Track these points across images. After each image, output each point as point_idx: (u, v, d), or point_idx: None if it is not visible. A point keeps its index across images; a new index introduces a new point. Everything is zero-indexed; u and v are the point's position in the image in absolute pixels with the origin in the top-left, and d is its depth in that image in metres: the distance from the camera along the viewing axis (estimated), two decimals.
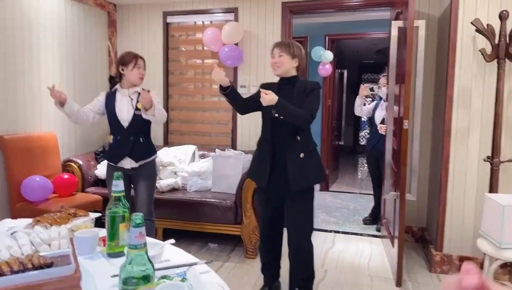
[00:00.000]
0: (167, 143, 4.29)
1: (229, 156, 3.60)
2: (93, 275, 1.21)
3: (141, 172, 2.72)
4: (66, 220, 1.52)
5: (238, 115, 4.05)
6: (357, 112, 4.21)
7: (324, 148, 5.68)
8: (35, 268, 1.08)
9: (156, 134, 4.19)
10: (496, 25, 2.63)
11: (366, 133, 9.67)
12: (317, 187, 5.56)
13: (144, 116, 2.56)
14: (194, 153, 3.91)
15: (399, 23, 3.01)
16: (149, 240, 1.44)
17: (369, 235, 3.86)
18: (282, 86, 2.37)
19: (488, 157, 2.69)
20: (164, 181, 3.53)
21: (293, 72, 2.38)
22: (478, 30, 2.66)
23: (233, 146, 4.08)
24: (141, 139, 2.71)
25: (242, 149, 3.90)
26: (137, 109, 2.66)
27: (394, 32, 3.04)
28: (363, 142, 9.91)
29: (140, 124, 2.68)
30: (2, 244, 1.19)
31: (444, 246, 2.98)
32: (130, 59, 2.66)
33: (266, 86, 2.50)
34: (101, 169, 3.66)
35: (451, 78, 2.88)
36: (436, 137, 3.35)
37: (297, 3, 3.86)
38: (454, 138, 2.90)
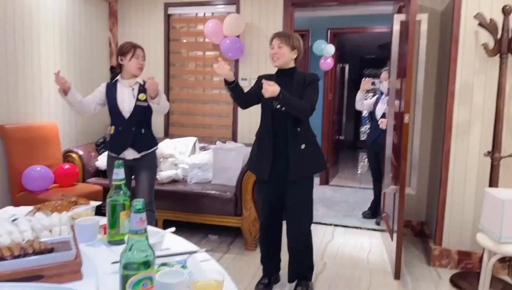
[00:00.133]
0: (167, 135, 4.30)
1: (229, 148, 3.60)
2: (94, 261, 1.22)
3: (143, 163, 2.73)
4: (67, 208, 1.52)
5: (239, 108, 4.04)
6: (358, 106, 4.20)
7: (325, 142, 5.68)
8: (35, 253, 1.08)
9: (157, 126, 4.19)
10: (499, 19, 2.62)
11: (366, 129, 9.66)
12: (317, 181, 5.58)
13: (150, 103, 2.59)
14: (194, 145, 3.92)
15: (402, 17, 3.00)
16: (150, 228, 1.45)
17: (368, 229, 3.87)
18: (280, 77, 2.37)
19: (488, 152, 2.69)
20: (164, 173, 3.54)
21: (292, 64, 2.38)
22: (480, 25, 2.65)
23: (234, 139, 4.08)
24: (142, 130, 2.71)
25: (242, 141, 3.90)
26: (138, 100, 2.66)
27: (396, 26, 3.03)
28: (363, 137, 9.90)
29: (141, 115, 2.69)
30: (3, 230, 1.20)
31: (443, 240, 2.99)
32: (128, 49, 2.65)
33: (263, 77, 2.49)
34: (102, 160, 3.66)
35: (453, 73, 2.87)
36: (437, 132, 3.35)
37: None
38: (455, 132, 2.90)
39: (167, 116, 4.29)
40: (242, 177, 3.24)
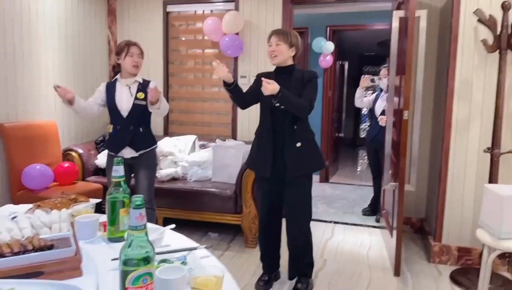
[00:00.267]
0: (167, 133, 4.29)
1: (229, 146, 3.60)
2: (94, 258, 1.22)
3: (142, 162, 2.73)
4: (67, 205, 1.53)
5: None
6: (358, 103, 4.20)
7: (324, 140, 5.68)
8: (35, 250, 1.08)
9: (156, 124, 4.19)
10: (498, 15, 2.62)
11: (366, 126, 9.66)
12: (317, 178, 5.59)
13: (150, 109, 2.61)
14: (194, 143, 3.92)
15: (401, 13, 3.00)
16: (150, 225, 1.45)
17: (368, 226, 3.88)
18: (279, 75, 2.36)
19: (488, 148, 2.69)
20: (164, 171, 3.53)
21: (290, 61, 2.38)
22: (480, 21, 2.65)
23: (233, 137, 4.08)
24: (140, 129, 2.70)
25: (242, 139, 3.90)
26: (136, 98, 2.65)
27: (395, 23, 3.03)
28: (363, 134, 9.90)
29: (140, 114, 2.68)
30: (3, 227, 1.20)
31: (443, 237, 2.99)
32: (122, 47, 2.66)
33: (262, 75, 2.49)
34: (102, 159, 3.66)
35: (452, 69, 2.87)
36: (436, 128, 3.35)
37: None
38: (454, 129, 2.90)
39: (167, 114, 4.28)
40: (242, 174, 3.24)
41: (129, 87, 2.68)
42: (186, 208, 3.40)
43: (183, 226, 3.47)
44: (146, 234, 0.94)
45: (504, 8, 2.58)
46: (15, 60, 3.19)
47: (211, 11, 4.13)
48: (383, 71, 3.96)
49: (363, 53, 9.39)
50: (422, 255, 3.19)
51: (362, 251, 3.27)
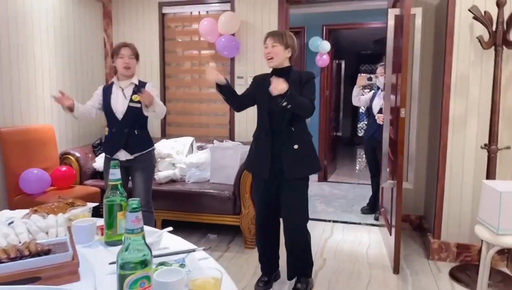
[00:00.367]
0: (164, 135, 4.29)
1: (227, 147, 3.60)
2: (91, 262, 1.21)
3: (137, 164, 2.72)
4: (64, 210, 1.52)
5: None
6: (355, 102, 4.21)
7: (322, 139, 5.68)
8: (32, 255, 1.08)
9: (154, 126, 4.18)
10: (493, 12, 2.62)
11: (364, 125, 9.66)
12: (315, 177, 5.59)
13: (145, 113, 2.58)
14: (192, 145, 3.91)
15: (396, 11, 3.00)
16: (148, 228, 1.44)
17: (367, 224, 3.88)
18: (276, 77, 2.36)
19: (485, 145, 2.70)
20: (162, 173, 3.53)
21: (287, 63, 2.37)
22: (475, 17, 2.65)
23: (231, 137, 4.07)
24: (135, 131, 2.69)
25: (240, 140, 3.90)
26: (131, 101, 2.65)
27: (391, 21, 3.03)
28: (361, 133, 9.90)
29: (135, 116, 2.67)
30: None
31: (442, 234, 2.99)
32: (114, 49, 2.68)
33: (259, 77, 2.49)
34: (99, 162, 3.65)
35: (448, 66, 2.87)
36: (434, 126, 3.35)
37: None
38: (451, 126, 2.91)
39: (164, 116, 4.27)
40: (240, 175, 3.24)
41: (123, 89, 2.68)
42: (184, 210, 3.39)
43: (182, 228, 3.48)
44: (143, 237, 0.94)
45: (499, 4, 2.59)
46: (10, 64, 3.18)
47: (207, 12, 4.13)
48: (380, 69, 3.97)
49: (359, 52, 9.39)
50: (421, 252, 3.19)
51: (361, 249, 3.27)
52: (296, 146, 2.33)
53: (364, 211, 4.23)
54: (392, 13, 3.02)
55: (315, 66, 5.42)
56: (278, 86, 2.08)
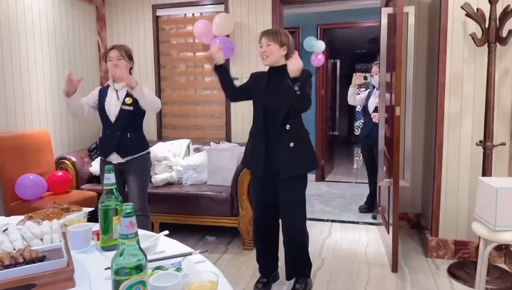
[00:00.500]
0: (161, 137, 4.28)
1: (223, 149, 3.59)
2: (87, 268, 1.21)
3: (131, 168, 2.70)
4: (59, 215, 1.51)
5: (232, 108, 4.04)
6: (351, 101, 4.21)
7: (319, 138, 5.68)
8: (26, 262, 1.07)
9: (150, 129, 4.18)
10: (486, 9, 2.63)
11: (360, 124, 9.68)
12: (313, 177, 5.59)
13: (135, 95, 2.55)
14: (188, 147, 3.90)
15: (389, 10, 3.00)
16: (143, 232, 1.44)
17: (365, 223, 3.88)
18: (272, 75, 2.37)
19: (480, 141, 2.71)
20: (159, 176, 3.52)
21: (282, 61, 2.37)
22: (468, 15, 2.66)
23: (228, 139, 4.07)
24: (128, 134, 2.67)
25: (236, 141, 3.89)
26: (124, 103, 2.64)
27: (384, 19, 3.03)
28: (357, 132, 9.92)
29: (127, 119, 2.65)
30: None
31: (440, 231, 3.00)
32: (104, 53, 2.72)
33: (255, 75, 2.50)
34: (96, 166, 3.64)
35: (443, 64, 2.88)
36: (429, 123, 3.36)
37: None
38: (446, 123, 2.91)
39: (160, 118, 4.27)
40: (237, 177, 3.23)
41: (117, 91, 2.68)
42: (182, 212, 3.38)
43: (180, 231, 3.48)
44: (138, 242, 0.93)
45: (492, 1, 2.60)
46: (4, 69, 3.16)
47: (201, 13, 4.12)
48: (375, 68, 3.97)
49: (354, 51, 9.41)
50: (419, 250, 3.20)
51: (359, 248, 3.27)
52: (292, 144, 2.32)
53: (362, 210, 4.23)
54: (385, 12, 3.02)
55: (310, 65, 5.42)
56: (297, 64, 2.09)
